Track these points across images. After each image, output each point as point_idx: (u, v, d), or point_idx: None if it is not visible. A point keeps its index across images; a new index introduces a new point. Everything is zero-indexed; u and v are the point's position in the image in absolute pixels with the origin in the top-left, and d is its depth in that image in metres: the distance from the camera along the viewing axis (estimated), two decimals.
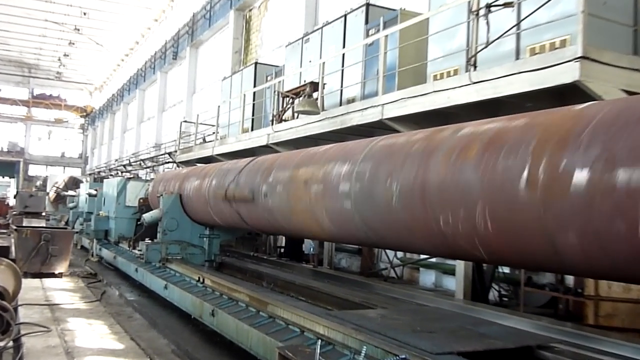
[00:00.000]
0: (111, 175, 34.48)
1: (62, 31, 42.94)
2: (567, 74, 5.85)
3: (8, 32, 45.19)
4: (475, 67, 7.31)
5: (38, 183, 43.41)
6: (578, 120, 3.76)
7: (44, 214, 27.09)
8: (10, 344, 6.23)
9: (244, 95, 14.81)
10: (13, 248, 12.72)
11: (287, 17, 20.52)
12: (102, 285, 12.40)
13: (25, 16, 40.55)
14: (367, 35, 10.40)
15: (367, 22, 10.73)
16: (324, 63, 10.86)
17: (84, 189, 21.52)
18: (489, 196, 4.13)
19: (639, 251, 3.22)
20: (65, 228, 17.23)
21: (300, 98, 11.13)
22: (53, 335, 6.85)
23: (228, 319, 7.05)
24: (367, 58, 10.35)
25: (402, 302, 7.39)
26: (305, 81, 11.66)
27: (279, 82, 13.09)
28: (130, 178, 16.63)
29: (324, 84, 10.84)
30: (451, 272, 10.65)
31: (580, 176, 3.48)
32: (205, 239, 11.71)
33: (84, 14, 39.37)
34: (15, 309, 7.57)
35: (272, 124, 12.56)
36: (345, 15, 11.32)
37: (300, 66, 12.57)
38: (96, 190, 18.48)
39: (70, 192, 25.86)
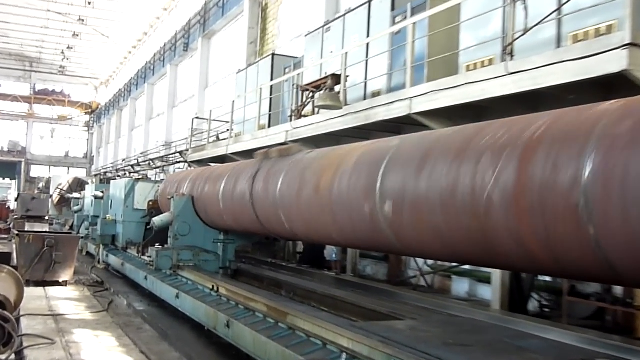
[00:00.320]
0: (118, 176, 34.80)
1: (65, 22, 43.43)
2: (614, 63, 5.79)
3: (8, 23, 45.80)
4: (512, 56, 7.26)
5: (41, 185, 43.99)
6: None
7: (47, 217, 27.43)
8: (12, 357, 6.31)
9: (260, 89, 14.86)
10: (15, 254, 12.85)
11: (306, 4, 20.54)
12: (109, 294, 12.53)
13: (26, 6, 41.04)
14: (394, 23, 10.38)
15: (393, 8, 10.71)
16: (346, 53, 10.86)
17: (90, 191, 21.73)
18: (525, 200, 4.09)
19: None
20: (70, 233, 17.44)
21: (321, 92, 11.14)
22: (57, 348, 6.96)
23: (244, 331, 7.07)
24: (394, 48, 10.32)
25: (433, 312, 7.36)
26: (326, 73, 11.66)
27: (298, 74, 13.11)
28: (138, 179, 16.72)
29: (347, 76, 10.84)
30: (487, 280, 10.57)
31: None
32: (219, 244, 11.75)
33: (89, 3, 39.77)
34: (18, 320, 7.66)
35: (291, 120, 12.59)
36: (369, 2, 11.30)
37: (321, 57, 12.58)
38: (102, 192, 18.64)
39: (75, 195, 26.14)
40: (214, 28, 29.87)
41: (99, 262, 17.10)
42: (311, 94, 12.07)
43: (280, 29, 22.69)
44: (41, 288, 11.71)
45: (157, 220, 11.99)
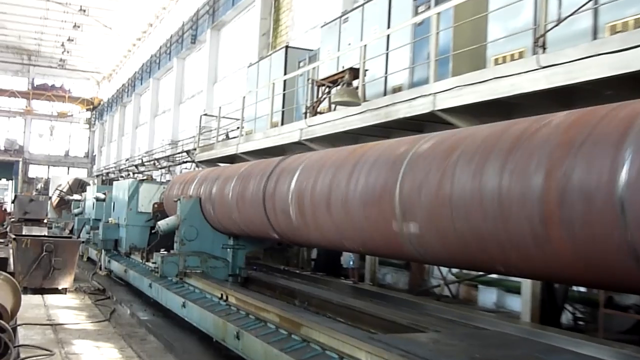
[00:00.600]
0: (121, 176, 35.09)
1: (65, 12, 43.73)
2: None
3: (5, 14, 46.15)
4: (544, 48, 7.23)
5: (39, 186, 44.43)
6: None
7: (45, 221, 27.67)
8: None
9: (273, 84, 14.88)
10: (11, 260, 13.00)
11: None
12: (111, 303, 12.60)
13: None
14: (416, 13, 10.36)
15: None
16: (365, 46, 10.86)
17: (91, 193, 21.89)
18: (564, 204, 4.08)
19: None
20: (70, 237, 17.56)
21: (338, 87, 11.15)
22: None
23: (255, 343, 7.09)
24: (416, 40, 10.31)
25: (458, 324, 7.35)
26: (343, 67, 11.66)
27: (313, 68, 13.12)
28: (143, 180, 16.84)
29: (366, 70, 10.83)
30: (516, 290, 10.52)
31: None
32: (228, 250, 11.79)
33: None
34: (14, 329, 7.74)
35: (305, 117, 12.61)
36: None
37: (338, 50, 12.59)
38: (104, 194, 18.78)
39: (76, 196, 26.30)
40: (223, 19, 29.94)
41: (100, 269, 17.21)
42: (327, 90, 12.07)
43: (295, 20, 22.71)
44: (39, 296, 11.79)
45: (162, 224, 12.04)
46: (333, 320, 8.21)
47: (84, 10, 42.83)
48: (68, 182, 34.17)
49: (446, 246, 5.33)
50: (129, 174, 35.36)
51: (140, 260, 14.37)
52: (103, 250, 17.22)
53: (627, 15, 6.66)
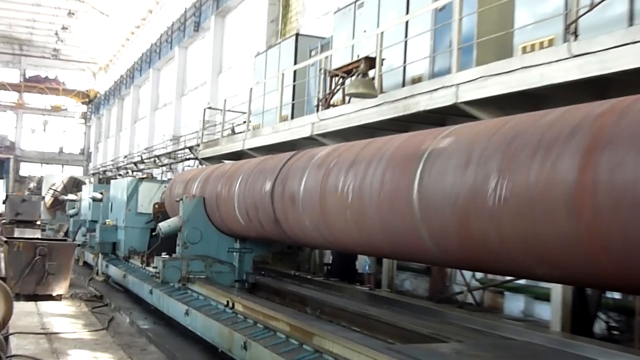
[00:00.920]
0: (119, 175, 35.25)
1: None
2: None
3: None
4: (576, 36, 7.22)
5: (32, 185, 44.73)
6: None
7: (39, 222, 27.87)
8: None
9: (282, 74, 14.90)
10: (2, 265, 13.09)
11: None
12: (109, 311, 12.67)
13: None
14: None
15: None
16: (382, 33, 10.86)
17: (87, 193, 21.98)
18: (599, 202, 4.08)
19: None
20: (65, 240, 17.65)
21: (353, 78, 11.15)
22: None
23: (264, 353, 7.12)
24: (437, 26, 10.30)
25: (483, 334, 7.34)
26: (358, 56, 11.67)
27: (326, 57, 13.13)
28: (142, 178, 16.91)
29: (383, 59, 10.83)
30: (545, 297, 10.50)
31: None
32: (235, 253, 11.83)
33: None
34: (6, 339, 7.81)
35: (318, 110, 12.61)
36: None
37: (353, 38, 12.59)
38: (101, 193, 18.87)
39: (71, 196, 26.47)
40: (228, 4, 29.98)
41: (97, 274, 17.31)
42: (341, 80, 12.08)
43: (305, 5, 22.72)
44: (32, 303, 11.85)
45: (163, 225, 12.09)
46: (348, 329, 8.21)
47: None
48: (62, 181, 34.39)
49: (468, 248, 5.33)
50: (127, 172, 35.54)
51: (140, 265, 14.41)
52: (100, 254, 17.30)
53: None
